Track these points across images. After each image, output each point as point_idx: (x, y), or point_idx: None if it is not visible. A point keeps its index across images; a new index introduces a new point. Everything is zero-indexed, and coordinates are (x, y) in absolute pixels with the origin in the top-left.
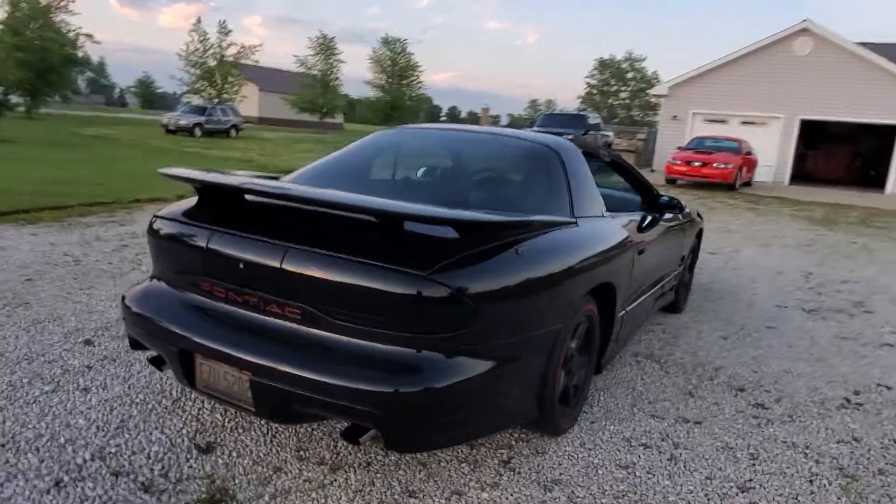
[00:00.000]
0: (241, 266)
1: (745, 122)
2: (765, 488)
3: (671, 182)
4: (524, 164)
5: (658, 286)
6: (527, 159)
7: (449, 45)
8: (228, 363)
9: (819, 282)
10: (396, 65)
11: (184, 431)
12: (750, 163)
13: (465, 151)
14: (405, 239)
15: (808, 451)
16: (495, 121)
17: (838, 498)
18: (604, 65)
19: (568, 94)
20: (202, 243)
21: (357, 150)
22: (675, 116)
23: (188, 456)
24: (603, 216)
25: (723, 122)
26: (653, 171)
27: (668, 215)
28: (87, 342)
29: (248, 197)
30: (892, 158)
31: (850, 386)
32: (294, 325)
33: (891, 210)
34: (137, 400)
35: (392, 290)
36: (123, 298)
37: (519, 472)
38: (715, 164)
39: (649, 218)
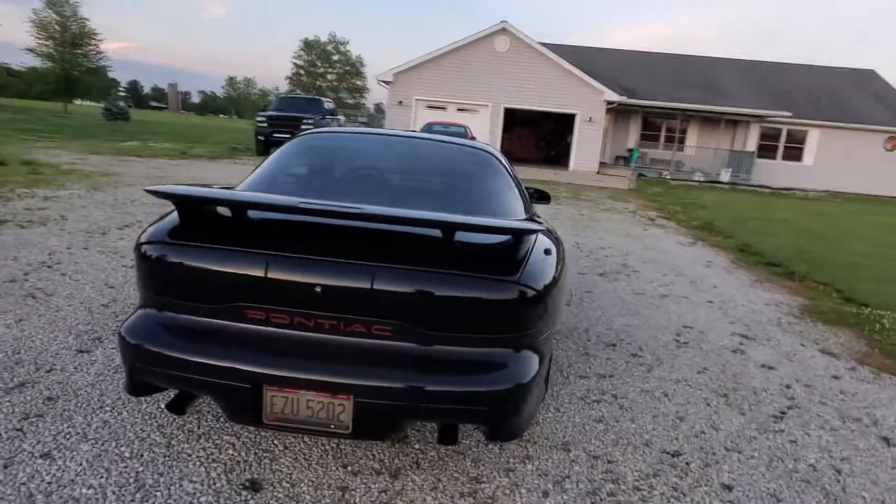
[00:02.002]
0: (318, 290)
1: (460, 109)
2: (690, 416)
3: None
4: (480, 168)
5: None
6: (480, 165)
7: (119, 11)
8: (318, 390)
9: (588, 250)
10: (67, 31)
11: (213, 475)
12: None
13: (423, 158)
14: (468, 248)
15: (690, 384)
16: (185, 98)
17: (730, 410)
18: (309, 46)
19: (270, 73)
20: (256, 270)
21: (304, 157)
22: (400, 102)
23: (244, 499)
24: (536, 213)
25: (442, 108)
26: None
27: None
28: None
29: (252, 214)
30: (571, 141)
31: (670, 330)
32: (387, 342)
33: (583, 185)
34: (127, 454)
35: (488, 297)
36: (124, 339)
37: (536, 443)
38: None
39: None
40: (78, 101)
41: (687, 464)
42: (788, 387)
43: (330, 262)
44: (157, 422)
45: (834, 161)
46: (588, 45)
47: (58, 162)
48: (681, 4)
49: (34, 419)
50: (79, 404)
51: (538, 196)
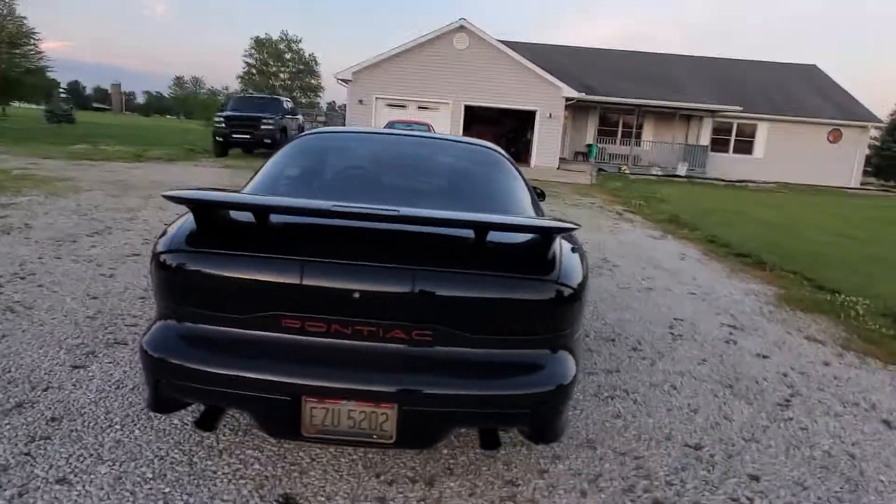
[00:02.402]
0: (357, 295)
1: (421, 107)
2: (702, 408)
3: None
4: (490, 167)
5: None
6: (490, 163)
7: (54, 7)
8: (360, 399)
9: None
10: (4, 30)
11: (244, 492)
12: None
13: (432, 157)
14: (503, 248)
15: (694, 376)
16: (129, 98)
17: (738, 401)
18: (260, 44)
19: (219, 73)
20: (291, 277)
21: (311, 158)
22: (360, 101)
23: None
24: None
25: (403, 106)
26: None
27: None
28: None
29: (281, 218)
30: (531, 138)
31: (662, 323)
32: (428, 348)
33: (546, 181)
34: (149, 475)
35: (528, 297)
36: (147, 353)
37: (562, 442)
38: None
39: None
40: (16, 104)
41: (711, 456)
42: (785, 375)
43: (369, 267)
44: (172, 439)
45: (782, 153)
46: (546, 42)
47: (8, 167)
48: (641, 2)
49: (41, 442)
50: (85, 424)
51: (543, 194)
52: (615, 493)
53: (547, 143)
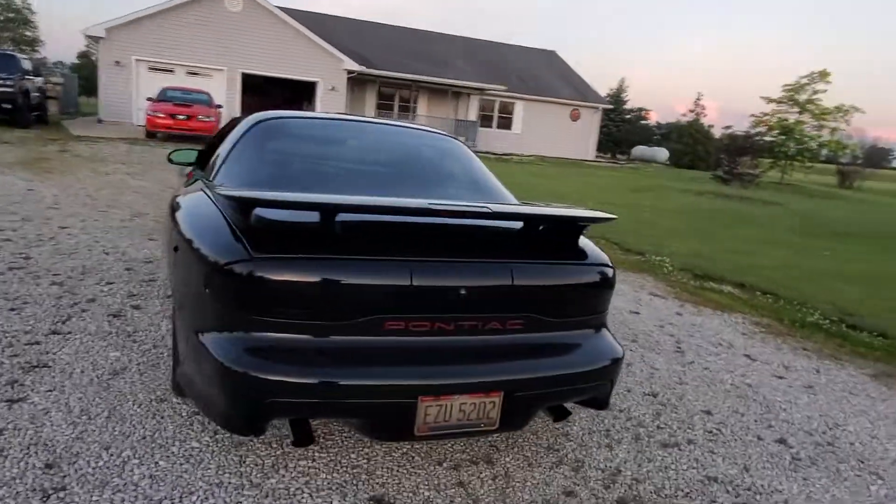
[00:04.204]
0: (463, 292)
1: (191, 73)
2: (633, 363)
3: (152, 136)
4: (460, 157)
5: None
6: (457, 153)
7: None
8: (472, 392)
9: None
10: None
11: (334, 502)
12: (219, 115)
13: (408, 147)
14: (558, 239)
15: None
16: None
17: (650, 353)
18: None
19: None
20: (400, 279)
21: (290, 145)
22: (117, 62)
23: None
24: None
25: (170, 71)
26: (101, 121)
27: None
28: None
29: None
30: (314, 106)
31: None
32: (523, 335)
33: None
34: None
35: (592, 281)
36: (237, 373)
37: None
38: (199, 118)
39: None
40: None
41: (668, 400)
42: (662, 326)
43: (473, 263)
44: (212, 463)
45: (535, 129)
46: (319, 10)
47: None
48: None
49: (60, 493)
50: (92, 464)
51: None
52: (631, 441)
53: None
